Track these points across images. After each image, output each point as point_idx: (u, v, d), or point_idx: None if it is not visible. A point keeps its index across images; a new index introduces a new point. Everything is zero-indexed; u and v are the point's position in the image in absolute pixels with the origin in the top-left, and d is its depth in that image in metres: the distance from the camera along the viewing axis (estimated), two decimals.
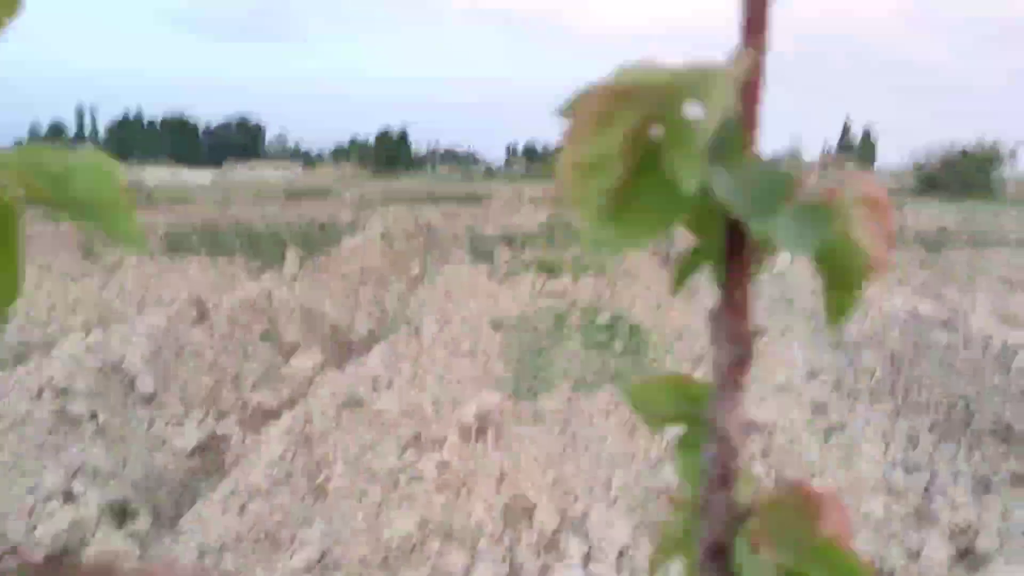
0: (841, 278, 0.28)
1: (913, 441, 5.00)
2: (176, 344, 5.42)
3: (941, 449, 4.84)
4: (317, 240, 11.48)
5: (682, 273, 0.31)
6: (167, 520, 3.85)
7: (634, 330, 7.03)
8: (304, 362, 6.07)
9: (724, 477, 0.26)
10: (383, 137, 61.00)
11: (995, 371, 5.24)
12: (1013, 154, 29.82)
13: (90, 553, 3.27)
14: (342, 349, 6.83)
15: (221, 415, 5.06)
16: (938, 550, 3.56)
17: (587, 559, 3.31)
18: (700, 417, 0.29)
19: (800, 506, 0.28)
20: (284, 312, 6.92)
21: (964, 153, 29.62)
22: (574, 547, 3.34)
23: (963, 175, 28.89)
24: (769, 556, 0.26)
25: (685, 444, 0.31)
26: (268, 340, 6.40)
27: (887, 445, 5.03)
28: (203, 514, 3.51)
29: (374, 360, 5.72)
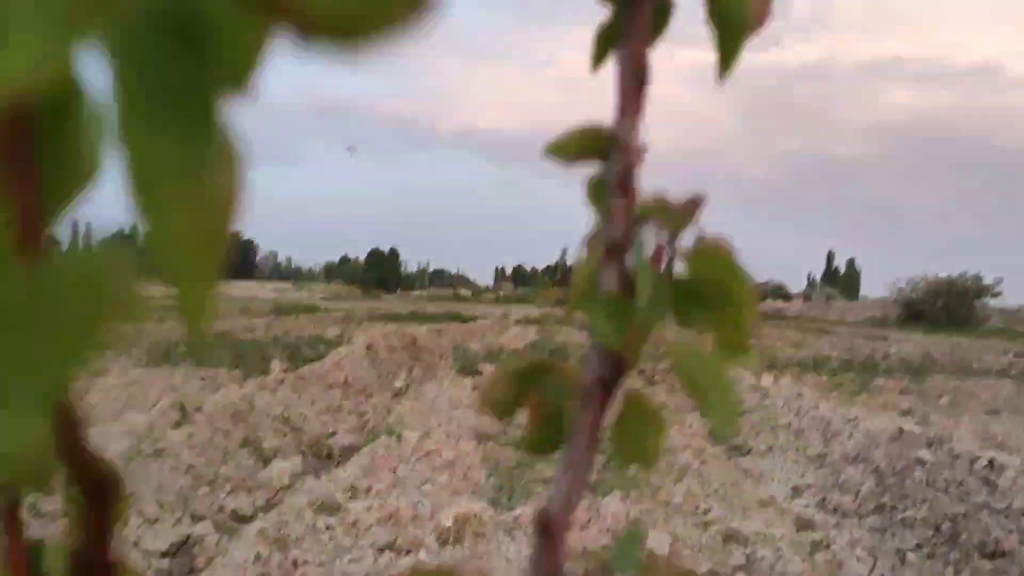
0: (728, 32, 0.32)
1: (901, 558, 4.94)
2: (154, 445, 5.37)
3: (929, 567, 4.78)
4: (303, 352, 11.50)
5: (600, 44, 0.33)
6: None
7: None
8: (283, 469, 6.00)
9: (624, 183, 0.30)
10: (373, 256, 61.73)
11: (981, 489, 5.23)
12: (995, 286, 30.35)
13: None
14: (322, 458, 6.77)
15: (196, 518, 4.97)
16: None
17: None
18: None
19: None
20: (265, 419, 6.89)
21: (949, 284, 30.11)
22: None
23: (947, 306, 29.31)
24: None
25: (596, 189, 0.33)
26: (247, 446, 6.34)
27: (874, 561, 4.96)
28: None
29: (353, 468, 5.67)
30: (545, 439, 0.36)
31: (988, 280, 30.33)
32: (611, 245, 0.30)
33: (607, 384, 0.31)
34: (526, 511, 4.71)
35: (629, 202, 0.30)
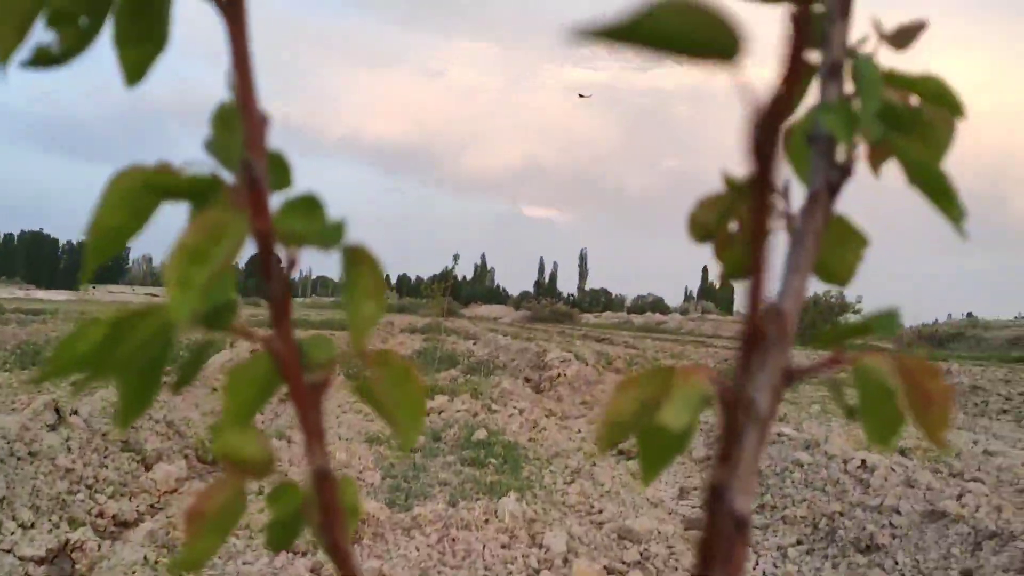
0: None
1: (783, 554, 5.15)
2: (28, 448, 5.09)
3: (808, 561, 5.00)
4: (185, 357, 11.09)
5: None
6: None
7: (509, 448, 7.04)
8: (167, 473, 5.78)
9: (843, 8, 0.32)
10: (252, 262, 60.21)
11: (855, 488, 5.51)
12: (856, 304, 32.14)
13: None
14: (207, 463, 6.56)
15: (75, 523, 4.73)
16: None
17: None
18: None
19: None
20: (147, 422, 6.62)
21: (815, 301, 31.70)
22: None
23: (813, 322, 30.82)
24: None
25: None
26: (129, 450, 6.08)
27: (757, 558, 5.15)
28: None
29: None
30: (742, 262, 0.38)
31: (850, 298, 32.28)
32: (832, 65, 0.32)
33: (833, 189, 0.33)
34: (423, 511, 4.69)
35: (845, 26, 0.32)
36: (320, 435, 0.34)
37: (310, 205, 0.33)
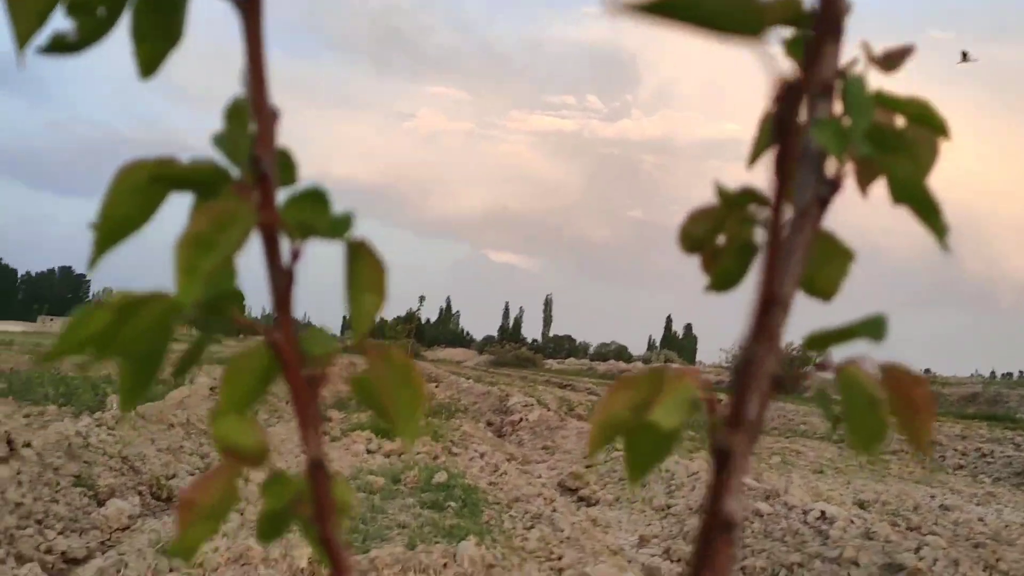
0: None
1: None
2: None
3: None
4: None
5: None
6: None
7: (469, 491, 6.98)
8: (120, 509, 5.65)
9: (834, 31, 0.33)
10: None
11: (814, 539, 5.52)
12: (819, 356, 32.48)
13: None
14: (162, 499, 6.43)
15: (22, 559, 4.60)
16: None
17: None
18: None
19: None
20: (101, 457, 6.49)
21: None
22: None
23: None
24: None
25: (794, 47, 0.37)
26: (81, 485, 5.95)
27: None
28: None
29: None
30: (732, 273, 0.39)
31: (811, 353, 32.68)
32: (823, 84, 0.33)
33: (823, 203, 0.34)
34: (380, 555, 4.62)
35: (837, 48, 0.33)
36: (316, 426, 0.35)
37: (316, 198, 0.33)
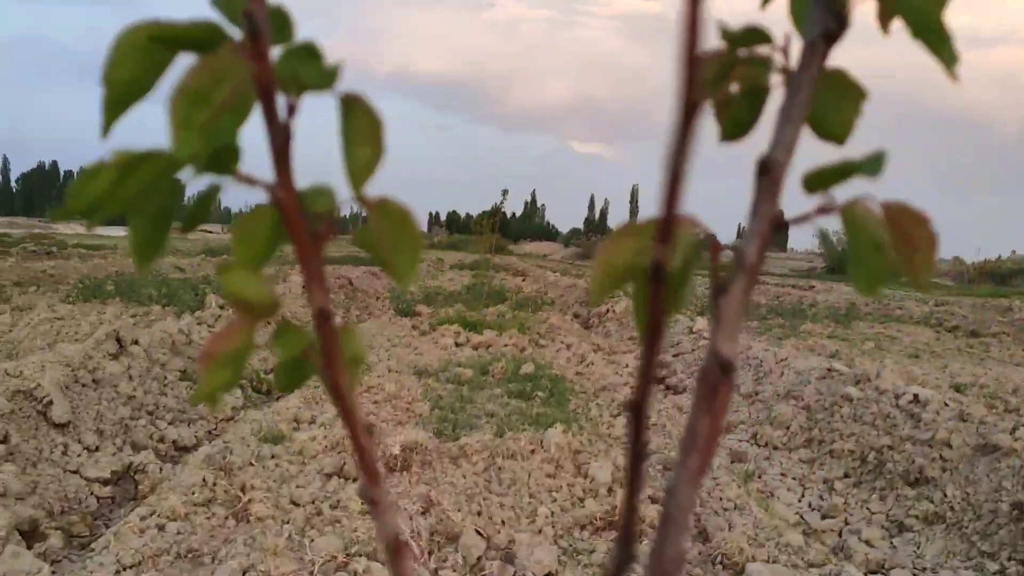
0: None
1: (829, 486, 5.16)
2: (92, 376, 5.27)
3: (855, 494, 5.00)
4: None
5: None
6: (79, 543, 3.71)
7: (556, 381, 7.10)
8: (223, 401, 5.94)
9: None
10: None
11: (906, 422, 5.46)
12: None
13: None
14: (261, 392, 6.73)
15: (137, 447, 4.92)
16: None
17: None
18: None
19: None
20: None
21: None
22: (500, 571, 3.34)
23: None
24: None
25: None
26: (187, 379, 6.27)
27: (803, 490, 5.17)
28: (120, 535, 3.40)
29: (295, 401, 5.66)
30: (743, 119, 0.38)
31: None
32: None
33: (830, 38, 0.33)
34: (470, 442, 4.77)
35: None
36: (321, 279, 0.36)
37: (309, 52, 0.34)
